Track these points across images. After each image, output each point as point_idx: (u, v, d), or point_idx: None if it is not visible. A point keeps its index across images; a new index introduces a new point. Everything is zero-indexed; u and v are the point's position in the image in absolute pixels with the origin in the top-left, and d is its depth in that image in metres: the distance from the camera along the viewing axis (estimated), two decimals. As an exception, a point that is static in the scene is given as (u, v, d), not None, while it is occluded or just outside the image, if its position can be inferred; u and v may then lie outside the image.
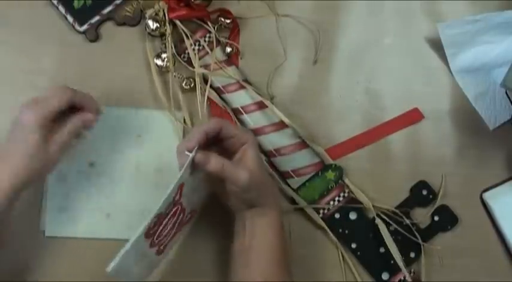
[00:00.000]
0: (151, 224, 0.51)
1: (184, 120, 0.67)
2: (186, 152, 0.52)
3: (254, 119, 0.67)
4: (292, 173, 0.67)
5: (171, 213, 0.54)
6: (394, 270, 0.66)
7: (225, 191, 0.56)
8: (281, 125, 0.67)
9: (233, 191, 0.55)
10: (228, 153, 0.57)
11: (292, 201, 0.67)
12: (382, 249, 0.66)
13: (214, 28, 0.68)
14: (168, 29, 0.67)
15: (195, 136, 0.53)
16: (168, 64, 0.67)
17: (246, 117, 0.67)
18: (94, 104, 0.58)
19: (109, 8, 0.68)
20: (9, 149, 0.54)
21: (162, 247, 0.57)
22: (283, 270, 0.57)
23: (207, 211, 0.64)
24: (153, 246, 0.54)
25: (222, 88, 0.68)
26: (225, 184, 0.55)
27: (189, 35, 0.67)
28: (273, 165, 0.68)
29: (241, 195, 0.55)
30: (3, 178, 0.52)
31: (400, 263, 0.64)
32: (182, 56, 0.68)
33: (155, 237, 0.53)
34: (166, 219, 0.54)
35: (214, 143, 0.57)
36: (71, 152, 0.59)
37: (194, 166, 0.53)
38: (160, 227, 0.53)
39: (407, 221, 0.66)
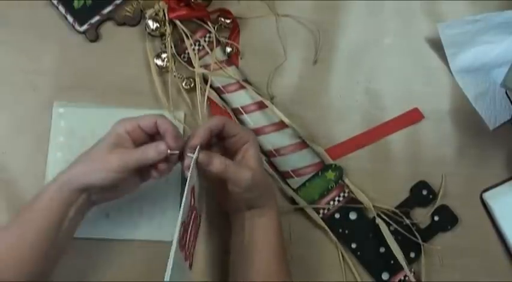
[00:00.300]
0: (181, 234, 0.48)
1: (184, 120, 0.67)
2: (189, 154, 0.52)
3: (254, 119, 0.67)
4: (292, 173, 0.67)
5: (192, 219, 0.53)
6: (394, 270, 0.66)
7: (223, 192, 0.55)
8: (281, 125, 0.67)
9: (235, 192, 0.54)
10: (229, 152, 0.56)
11: (292, 201, 0.67)
12: (382, 249, 0.66)
13: (214, 28, 0.68)
14: (168, 29, 0.67)
15: (199, 133, 0.53)
16: (168, 64, 0.67)
17: (246, 117, 0.67)
18: (176, 140, 0.53)
19: (109, 8, 0.68)
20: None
21: (191, 260, 0.54)
22: (284, 269, 0.57)
23: (207, 211, 0.64)
24: (187, 260, 0.52)
25: (222, 88, 0.68)
26: (225, 185, 0.54)
27: (189, 35, 0.67)
28: (273, 165, 0.68)
29: (243, 196, 0.55)
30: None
31: (403, 262, 0.64)
32: (182, 56, 0.68)
33: (186, 248, 0.51)
34: (190, 228, 0.52)
35: (215, 143, 0.57)
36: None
37: (198, 167, 0.52)
38: (187, 238, 0.51)
39: (407, 221, 0.66)
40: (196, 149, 0.51)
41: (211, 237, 0.65)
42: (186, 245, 0.51)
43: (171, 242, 0.46)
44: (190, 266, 0.53)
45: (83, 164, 0.53)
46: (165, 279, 0.43)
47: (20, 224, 0.52)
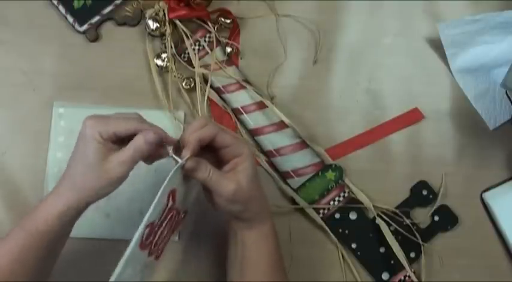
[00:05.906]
0: (144, 237, 0.49)
1: (184, 120, 0.67)
2: (175, 157, 0.50)
3: (254, 119, 0.67)
4: (292, 173, 0.67)
5: (167, 219, 0.52)
6: (394, 270, 0.66)
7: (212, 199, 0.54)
8: (281, 125, 0.67)
9: (218, 202, 0.53)
10: (223, 162, 0.54)
11: (292, 201, 0.67)
12: (382, 249, 0.66)
13: (214, 28, 0.68)
14: (168, 29, 0.67)
15: (190, 145, 0.50)
16: (168, 64, 0.67)
17: (246, 117, 0.67)
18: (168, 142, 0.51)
19: (109, 8, 0.68)
20: (71, 165, 0.51)
21: (159, 252, 0.55)
22: (279, 279, 0.56)
23: (206, 220, 0.65)
24: (152, 254, 0.53)
25: (222, 88, 0.68)
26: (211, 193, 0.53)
27: (189, 35, 0.67)
28: (273, 165, 0.68)
29: (226, 207, 0.53)
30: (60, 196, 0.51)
31: (404, 262, 0.64)
32: (182, 56, 0.68)
33: (153, 246, 0.52)
34: (162, 227, 0.52)
35: (210, 149, 0.54)
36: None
37: (184, 172, 0.51)
38: (157, 236, 0.52)
39: (408, 221, 0.66)
40: (185, 158, 0.50)
41: (212, 247, 0.65)
42: (153, 244, 0.51)
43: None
44: (158, 257, 0.54)
45: (85, 184, 0.51)
46: (111, 279, 0.45)
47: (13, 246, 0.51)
